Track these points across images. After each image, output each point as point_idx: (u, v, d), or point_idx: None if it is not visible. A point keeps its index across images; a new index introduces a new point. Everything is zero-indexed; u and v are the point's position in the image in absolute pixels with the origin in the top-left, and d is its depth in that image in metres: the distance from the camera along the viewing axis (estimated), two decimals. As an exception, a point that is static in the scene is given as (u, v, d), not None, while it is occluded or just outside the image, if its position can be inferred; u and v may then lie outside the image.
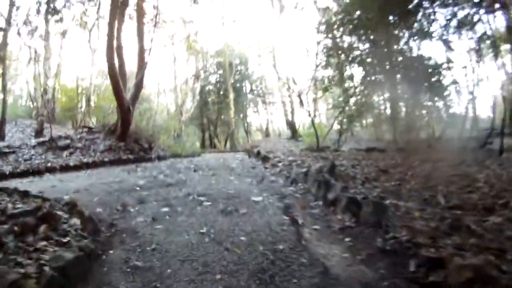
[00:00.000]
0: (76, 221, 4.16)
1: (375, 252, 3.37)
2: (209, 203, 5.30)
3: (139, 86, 15.12)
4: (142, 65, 15.40)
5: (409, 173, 7.18)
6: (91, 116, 23.73)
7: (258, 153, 11.04)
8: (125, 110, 13.96)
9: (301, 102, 16.93)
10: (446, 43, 16.65)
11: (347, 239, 3.74)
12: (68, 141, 14.62)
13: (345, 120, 18.25)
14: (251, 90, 33.48)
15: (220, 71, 30.97)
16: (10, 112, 25.86)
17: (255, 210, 4.86)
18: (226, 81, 29.07)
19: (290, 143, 23.66)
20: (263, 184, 6.78)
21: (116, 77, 13.50)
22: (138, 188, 6.75)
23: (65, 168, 11.63)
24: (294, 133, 24.66)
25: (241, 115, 33.77)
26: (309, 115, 16.41)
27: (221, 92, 31.32)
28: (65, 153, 13.78)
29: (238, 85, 31.75)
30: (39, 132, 15.70)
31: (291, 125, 25.24)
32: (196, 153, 18.72)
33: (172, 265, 3.25)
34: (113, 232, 4.22)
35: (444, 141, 16.61)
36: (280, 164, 8.87)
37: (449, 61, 18.35)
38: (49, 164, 12.19)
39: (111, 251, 3.65)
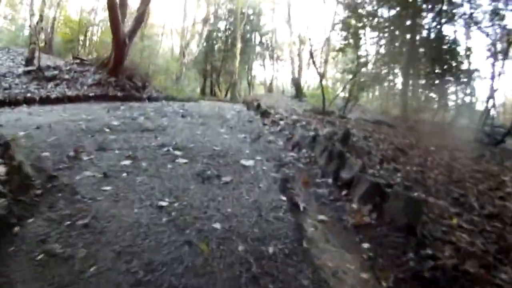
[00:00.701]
0: (1, 169, 2.93)
1: (407, 277, 2.20)
2: (185, 160, 4.09)
3: (139, 19, 13.53)
4: (145, -1, 13.78)
5: (428, 158, 6.21)
6: (92, 50, 22.19)
7: (258, 106, 9.73)
8: (120, 43, 12.50)
9: (312, 60, 15.39)
10: (479, 27, 15.12)
11: (365, 245, 2.56)
12: (56, 72, 13.30)
13: (355, 87, 16.85)
14: (260, 43, 31.56)
15: (231, 19, 28.96)
16: (9, 40, 24.39)
17: (243, 180, 3.67)
18: (235, 29, 27.22)
19: (293, 102, 22.28)
20: (258, 144, 5.53)
21: (115, 5, 11.96)
22: (107, 130, 5.55)
23: (45, 100, 10.43)
24: (299, 93, 23.21)
25: (246, 67, 32.04)
26: (318, 74, 14.90)
27: (229, 40, 29.47)
28: (51, 84, 12.49)
29: (247, 35, 29.84)
30: (29, 61, 14.23)
31: (296, 83, 23.71)
32: (193, 98, 17.35)
33: (100, 260, 2.08)
34: (48, 188, 3.02)
35: (455, 128, 15.63)
36: (281, 122, 7.61)
37: (468, 49, 16.88)
38: (28, 95, 10.98)
39: (30, 220, 2.47)
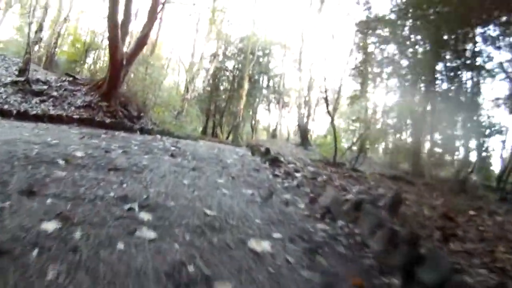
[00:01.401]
0: None
1: None
2: (153, 235, 2.32)
3: (141, 42, 12.14)
4: (151, 19, 12.41)
5: (480, 227, 4.60)
6: (96, 73, 20.85)
7: (267, 152, 8.01)
8: (117, 64, 11.02)
9: (327, 107, 13.88)
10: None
11: None
12: (44, 87, 11.82)
13: (367, 138, 15.34)
14: (268, 86, 30.39)
15: (240, 58, 27.92)
16: (16, 50, 23.20)
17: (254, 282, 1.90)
18: (243, 69, 26.08)
19: (298, 150, 20.71)
20: (271, 207, 3.77)
21: (115, 20, 10.58)
22: (61, 163, 3.88)
23: (22, 115, 9.04)
24: (304, 140, 21.69)
25: (251, 110, 30.69)
26: (332, 123, 13.37)
27: (236, 80, 28.29)
28: (36, 99, 11.00)
29: (255, 77, 28.73)
30: (22, 71, 12.71)
31: (302, 131, 22.25)
32: (192, 136, 15.71)
33: None
34: None
35: (473, 186, 13.99)
36: (298, 175, 5.91)
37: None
38: (6, 107, 9.51)
39: None
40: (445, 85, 16.15)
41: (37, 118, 8.97)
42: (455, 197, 8.29)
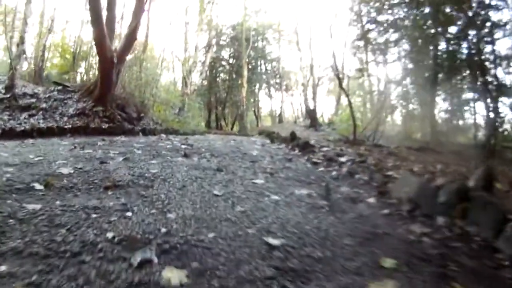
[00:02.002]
0: None
1: None
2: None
3: (131, 36, 10.86)
4: (138, 11, 11.13)
5: None
6: (90, 81, 19.56)
7: (293, 137, 6.81)
8: (107, 63, 9.78)
9: (339, 84, 12.60)
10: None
11: None
12: (32, 100, 10.64)
13: (383, 111, 14.09)
14: (266, 70, 28.96)
15: (235, 46, 26.49)
16: (3, 70, 21.93)
17: None
18: (240, 56, 24.74)
19: (310, 132, 19.48)
20: (342, 210, 2.62)
21: (99, 16, 9.34)
22: (38, 188, 2.78)
23: (7, 134, 7.89)
24: (314, 121, 20.41)
25: (252, 98, 29.35)
26: (348, 99, 12.16)
27: (234, 69, 26.98)
28: (24, 114, 9.82)
29: (253, 63, 27.33)
30: (8, 88, 11.49)
31: (310, 111, 20.95)
32: (198, 131, 14.52)
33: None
34: None
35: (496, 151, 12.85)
36: (342, 160, 4.71)
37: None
38: (-10, 127, 8.31)
39: None
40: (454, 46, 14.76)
41: (25, 134, 7.80)
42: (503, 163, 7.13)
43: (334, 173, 4.16)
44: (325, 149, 5.95)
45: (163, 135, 9.56)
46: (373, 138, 13.25)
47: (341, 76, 21.67)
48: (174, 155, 4.68)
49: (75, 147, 5.14)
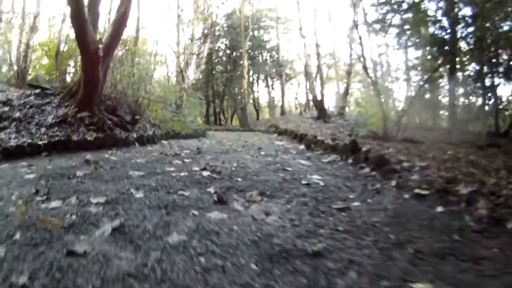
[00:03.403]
0: None
1: None
2: None
3: (119, 23, 8.77)
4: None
5: None
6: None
7: (355, 147, 4.75)
8: (90, 56, 7.76)
9: (364, 67, 10.64)
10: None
11: None
12: (5, 109, 8.62)
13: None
14: (265, 60, 26.84)
15: (232, 35, 24.35)
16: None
17: None
18: (238, 46, 22.69)
19: (320, 124, 17.50)
20: None
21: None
22: None
23: None
24: (322, 113, 18.48)
25: (251, 89, 27.32)
26: (374, 87, 10.23)
27: (231, 60, 24.89)
28: (-9, 127, 7.75)
29: (250, 53, 25.23)
30: (-17, 98, 9.45)
31: (318, 102, 19.00)
32: (199, 131, 12.52)
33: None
34: None
35: None
36: (463, 191, 2.80)
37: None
38: None
39: None
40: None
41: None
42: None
43: (471, 223, 2.25)
44: (405, 164, 4.01)
45: (165, 143, 7.61)
46: (400, 133, 11.42)
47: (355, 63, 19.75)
48: (202, 203, 2.70)
49: (36, 192, 3.13)
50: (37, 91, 9.74)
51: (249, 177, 3.58)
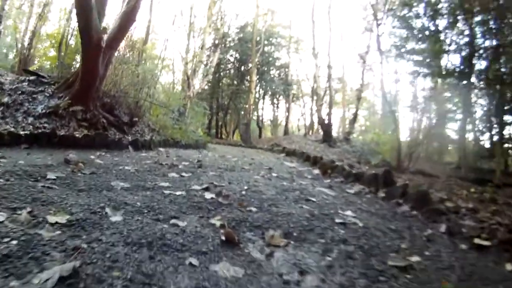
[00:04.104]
0: None
1: None
2: None
3: (128, 17, 8.00)
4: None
5: None
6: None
7: (388, 179, 3.90)
8: (92, 46, 6.98)
9: (384, 93, 9.86)
10: None
11: None
12: (-7, 95, 7.77)
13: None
14: (273, 77, 26.11)
15: (242, 48, 23.69)
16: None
17: None
18: (247, 60, 22.04)
19: (324, 148, 16.72)
20: None
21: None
22: None
23: None
24: (328, 137, 17.73)
25: (255, 106, 26.55)
26: (390, 110, 9.47)
27: (240, 72, 24.22)
28: (-26, 114, 6.97)
29: (259, 68, 24.56)
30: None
31: (325, 125, 18.25)
32: (201, 142, 11.68)
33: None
34: None
35: None
36: None
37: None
38: None
39: None
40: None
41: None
42: None
43: None
44: (449, 204, 3.18)
45: (162, 150, 6.78)
46: (411, 165, 10.65)
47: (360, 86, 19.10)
48: (203, 243, 1.82)
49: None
50: (32, 78, 8.94)
51: (266, 206, 2.73)
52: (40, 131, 5.95)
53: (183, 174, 3.88)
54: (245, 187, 3.42)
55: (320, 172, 5.48)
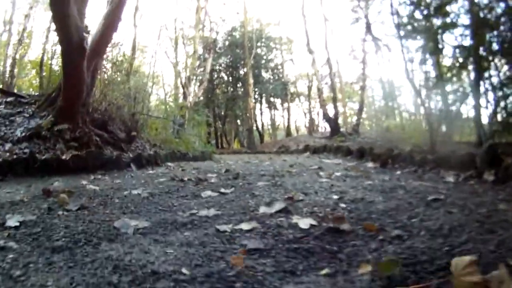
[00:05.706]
0: None
1: None
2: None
3: (112, 18, 6.62)
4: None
5: None
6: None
7: None
8: (73, 45, 5.56)
9: (413, 86, 8.55)
10: None
11: None
12: (-36, 119, 6.41)
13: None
14: (269, 79, 24.82)
15: (233, 52, 22.44)
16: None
17: None
18: (242, 64, 20.83)
19: (334, 143, 15.37)
20: None
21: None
22: None
23: None
24: (336, 132, 16.44)
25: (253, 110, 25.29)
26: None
27: (234, 77, 23.01)
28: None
29: (254, 71, 23.27)
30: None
31: (331, 120, 16.96)
32: (207, 153, 10.24)
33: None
34: None
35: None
36: None
37: None
38: None
39: None
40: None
41: None
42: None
43: None
44: None
45: (171, 165, 5.43)
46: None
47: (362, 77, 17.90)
48: None
49: None
50: (10, 99, 7.56)
51: (408, 224, 1.42)
52: (15, 157, 4.57)
53: (222, 190, 2.55)
54: (335, 197, 2.09)
55: (377, 164, 4.22)
